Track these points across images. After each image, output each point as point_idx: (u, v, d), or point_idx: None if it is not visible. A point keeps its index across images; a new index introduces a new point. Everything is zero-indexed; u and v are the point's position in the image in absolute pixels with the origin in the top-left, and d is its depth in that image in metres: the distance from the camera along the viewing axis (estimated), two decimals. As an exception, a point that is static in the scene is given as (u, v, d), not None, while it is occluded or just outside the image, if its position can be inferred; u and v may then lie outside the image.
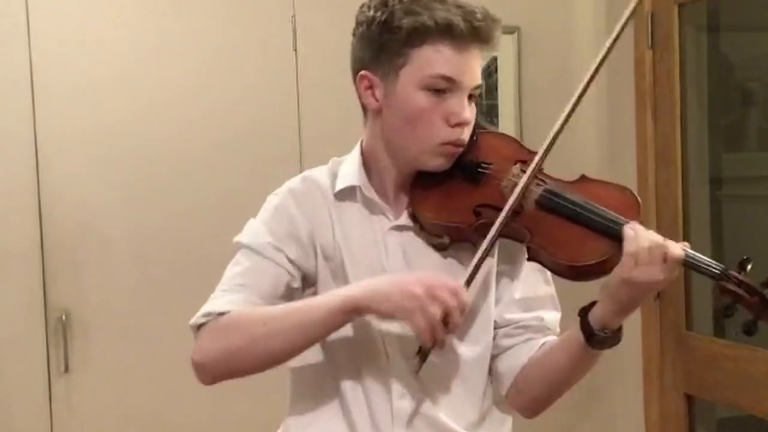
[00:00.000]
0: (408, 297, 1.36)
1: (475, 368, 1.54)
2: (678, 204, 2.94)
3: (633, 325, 3.08)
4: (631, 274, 1.34)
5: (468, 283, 1.41)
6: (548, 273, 1.52)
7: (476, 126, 1.54)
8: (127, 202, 2.80)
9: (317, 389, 1.55)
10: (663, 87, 2.98)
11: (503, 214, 1.42)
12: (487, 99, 3.12)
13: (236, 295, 1.50)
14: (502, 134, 1.62)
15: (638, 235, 1.35)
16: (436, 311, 1.34)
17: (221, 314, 1.47)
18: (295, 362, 1.57)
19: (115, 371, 2.80)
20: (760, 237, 3.10)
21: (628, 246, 1.35)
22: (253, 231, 1.55)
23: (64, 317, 2.75)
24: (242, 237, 1.55)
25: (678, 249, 1.36)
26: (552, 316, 1.55)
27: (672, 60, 2.95)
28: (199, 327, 1.49)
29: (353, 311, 1.40)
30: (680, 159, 2.95)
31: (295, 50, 2.91)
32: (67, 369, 2.76)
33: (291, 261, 1.52)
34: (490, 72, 3.12)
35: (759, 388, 2.69)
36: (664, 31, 2.96)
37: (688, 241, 3.23)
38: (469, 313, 1.48)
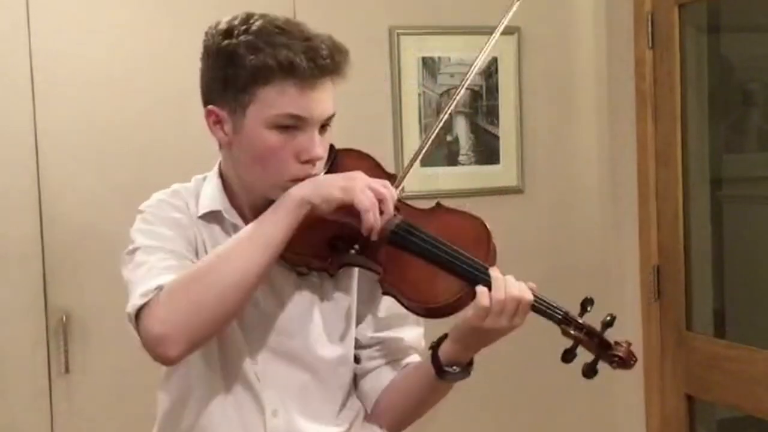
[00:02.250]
0: (348, 179, 1.41)
1: (335, 384, 1.54)
2: (678, 205, 2.94)
3: (633, 325, 3.08)
4: (479, 322, 1.38)
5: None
6: None
7: (332, 148, 1.54)
8: (127, 203, 2.77)
9: (187, 417, 1.53)
10: (663, 87, 2.98)
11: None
12: (487, 99, 3.12)
13: (166, 275, 1.41)
14: (361, 155, 1.59)
15: (495, 287, 1.38)
16: (372, 193, 1.39)
17: (159, 287, 1.38)
18: (163, 386, 1.56)
19: (115, 372, 2.80)
20: (761, 238, 3.10)
21: (482, 298, 1.37)
22: (145, 234, 1.50)
23: (64, 318, 2.75)
24: (135, 243, 1.49)
25: (529, 294, 1.40)
26: (413, 333, 1.58)
27: (672, 60, 2.95)
28: (139, 312, 1.38)
29: (303, 204, 1.39)
30: (680, 159, 2.94)
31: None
32: (67, 370, 2.76)
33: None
34: (491, 72, 3.12)
35: (759, 389, 2.69)
36: (665, 32, 2.96)
37: (687, 242, 3.23)
38: (325, 325, 1.52)
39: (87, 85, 2.77)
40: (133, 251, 1.48)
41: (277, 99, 1.42)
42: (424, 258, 1.42)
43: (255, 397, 1.50)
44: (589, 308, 1.42)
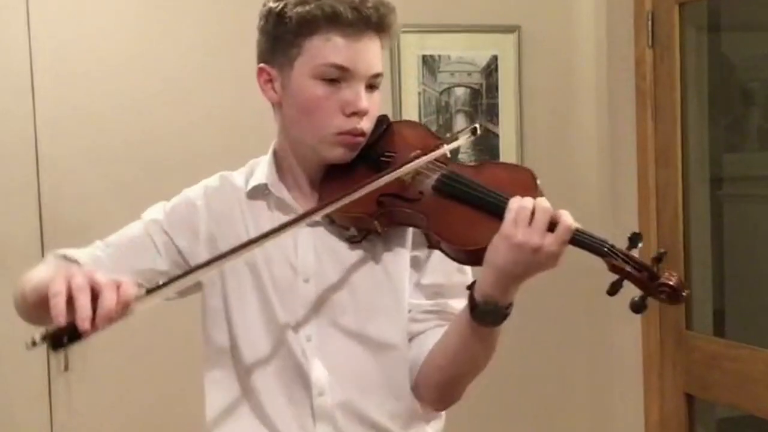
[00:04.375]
0: (75, 271, 1.32)
1: (390, 356, 1.52)
2: (678, 204, 2.94)
3: (633, 325, 3.08)
4: (509, 232, 1.33)
5: (148, 292, 1.35)
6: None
7: (386, 118, 1.55)
8: (127, 201, 2.79)
9: (234, 397, 1.54)
10: (663, 87, 2.98)
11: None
12: (487, 98, 3.12)
13: (98, 252, 1.61)
14: (415, 123, 1.63)
15: (523, 198, 1.36)
16: (86, 286, 1.29)
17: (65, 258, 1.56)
18: (210, 370, 1.56)
19: (114, 370, 2.80)
20: (761, 237, 3.10)
21: (511, 204, 1.35)
22: (154, 208, 1.62)
23: (64, 316, 2.75)
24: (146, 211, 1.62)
25: (570, 219, 1.36)
26: (461, 305, 1.51)
27: (672, 60, 2.95)
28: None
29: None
30: (680, 159, 2.94)
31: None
32: (66, 368, 2.76)
33: (177, 248, 1.55)
34: (491, 71, 3.12)
35: (759, 388, 2.69)
36: (665, 31, 2.96)
37: (687, 241, 3.22)
38: (377, 296, 1.50)
39: (87, 83, 2.77)
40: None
41: (323, 49, 1.46)
42: (466, 202, 1.42)
43: (302, 376, 1.50)
44: (639, 244, 1.38)
